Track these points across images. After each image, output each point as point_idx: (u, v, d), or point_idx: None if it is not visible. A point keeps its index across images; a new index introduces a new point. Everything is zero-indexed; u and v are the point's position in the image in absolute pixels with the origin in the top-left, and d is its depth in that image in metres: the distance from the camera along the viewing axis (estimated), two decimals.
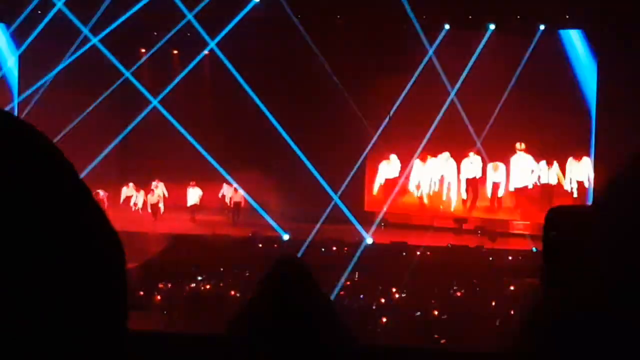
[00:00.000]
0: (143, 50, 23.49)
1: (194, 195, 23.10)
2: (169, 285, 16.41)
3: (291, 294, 1.64)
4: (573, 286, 0.68)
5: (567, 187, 21.43)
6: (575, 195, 21.11)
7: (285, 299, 1.63)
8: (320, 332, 1.60)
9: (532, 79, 21.10)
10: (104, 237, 0.70)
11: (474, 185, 22.16)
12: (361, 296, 15.26)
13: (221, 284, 16.48)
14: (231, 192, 22.92)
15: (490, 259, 18.61)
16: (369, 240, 20.14)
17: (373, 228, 21.52)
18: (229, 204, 22.97)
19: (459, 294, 15.89)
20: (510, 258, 18.46)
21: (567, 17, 20.94)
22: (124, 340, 0.69)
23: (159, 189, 23.06)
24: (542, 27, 21.40)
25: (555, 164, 21.48)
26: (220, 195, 23.13)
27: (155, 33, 22.86)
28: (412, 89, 21.72)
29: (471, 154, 21.89)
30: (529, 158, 21.63)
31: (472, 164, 22.00)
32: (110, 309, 0.68)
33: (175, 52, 23.65)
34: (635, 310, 0.61)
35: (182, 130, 21.67)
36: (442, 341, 12.87)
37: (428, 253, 19.05)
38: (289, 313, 1.63)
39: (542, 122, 20.99)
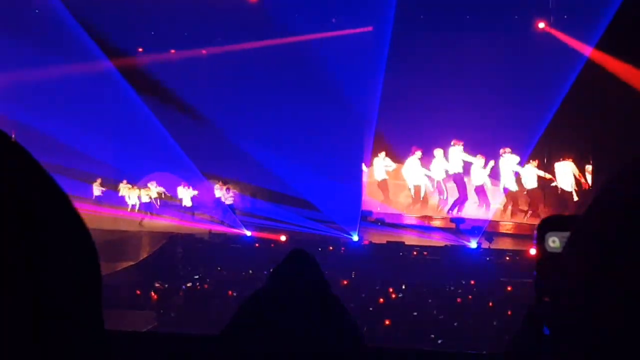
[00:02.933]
0: (140, 50, 23.54)
1: (186, 195, 23.13)
2: (166, 285, 16.40)
3: (303, 287, 1.62)
4: (556, 296, 0.69)
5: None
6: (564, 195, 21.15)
7: (296, 291, 1.61)
8: (330, 326, 1.58)
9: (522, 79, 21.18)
10: (77, 237, 0.70)
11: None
12: (362, 295, 15.26)
13: (206, 285, 16.45)
14: (224, 192, 22.93)
15: (487, 259, 18.62)
16: (366, 240, 20.13)
17: (369, 228, 21.55)
18: (222, 203, 22.96)
19: (456, 294, 15.89)
20: (507, 258, 18.46)
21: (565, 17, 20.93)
22: (101, 340, 0.69)
23: (153, 188, 23.07)
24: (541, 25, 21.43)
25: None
26: (214, 194, 23.14)
27: (152, 32, 22.90)
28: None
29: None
30: (514, 161, 21.47)
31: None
32: (83, 310, 0.68)
33: (173, 51, 23.67)
34: (609, 324, 0.61)
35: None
36: (439, 341, 12.87)
37: (425, 253, 19.06)
38: (300, 305, 1.61)
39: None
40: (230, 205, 22.68)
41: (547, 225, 0.94)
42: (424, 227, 21.91)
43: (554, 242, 0.93)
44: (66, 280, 0.66)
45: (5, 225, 0.63)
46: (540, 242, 0.95)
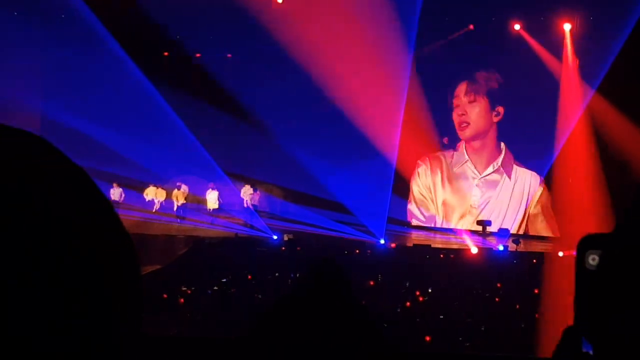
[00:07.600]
0: (166, 54, 23.68)
1: (212, 198, 23.17)
2: (192, 288, 16.44)
3: (328, 295, 1.63)
4: (593, 313, 0.69)
5: None
6: None
7: (322, 299, 1.62)
8: (355, 334, 1.59)
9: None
10: (116, 239, 0.71)
11: None
12: (389, 297, 15.21)
13: (233, 289, 16.45)
14: (251, 195, 22.96)
15: (514, 262, 18.50)
16: (392, 243, 20.08)
17: (396, 231, 21.52)
18: (249, 207, 22.95)
19: (483, 297, 15.80)
20: (534, 261, 18.33)
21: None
22: (136, 342, 0.70)
23: (181, 191, 23.12)
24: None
25: None
26: (241, 198, 23.16)
27: (177, 36, 23.01)
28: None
29: None
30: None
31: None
32: (124, 311, 0.68)
33: (198, 55, 23.76)
34: None
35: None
36: (467, 344, 12.80)
37: (451, 256, 18.97)
38: (325, 312, 1.62)
39: None
40: (256, 207, 22.68)
41: (587, 243, 0.94)
42: (450, 230, 21.84)
43: (593, 260, 0.94)
44: (109, 279, 0.67)
45: (42, 226, 0.64)
46: (580, 260, 0.96)
